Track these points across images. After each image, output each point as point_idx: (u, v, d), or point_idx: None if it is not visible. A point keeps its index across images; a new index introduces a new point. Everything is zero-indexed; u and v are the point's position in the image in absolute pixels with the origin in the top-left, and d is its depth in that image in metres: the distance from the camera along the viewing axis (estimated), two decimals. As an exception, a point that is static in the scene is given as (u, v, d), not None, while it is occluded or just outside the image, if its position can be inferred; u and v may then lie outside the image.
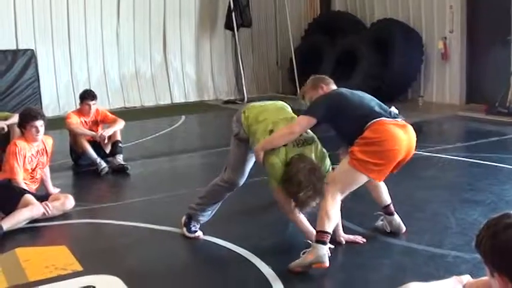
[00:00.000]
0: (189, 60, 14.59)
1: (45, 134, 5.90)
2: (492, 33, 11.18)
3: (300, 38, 15.19)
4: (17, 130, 6.47)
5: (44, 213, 5.41)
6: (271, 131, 4.33)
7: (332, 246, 4.17)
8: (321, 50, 13.61)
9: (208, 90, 14.81)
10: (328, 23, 14.41)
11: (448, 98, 12.23)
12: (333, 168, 4.38)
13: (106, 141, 7.57)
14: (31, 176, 5.82)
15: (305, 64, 13.60)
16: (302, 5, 15.75)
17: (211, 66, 14.91)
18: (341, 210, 4.25)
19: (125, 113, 10.92)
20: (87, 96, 7.71)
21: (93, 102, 7.66)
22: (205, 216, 4.90)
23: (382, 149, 4.08)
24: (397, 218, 4.73)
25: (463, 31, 11.82)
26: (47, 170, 6.11)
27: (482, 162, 7.10)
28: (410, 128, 4.28)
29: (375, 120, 4.13)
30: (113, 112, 8.38)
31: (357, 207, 4.70)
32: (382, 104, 4.39)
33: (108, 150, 7.65)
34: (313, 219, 4.39)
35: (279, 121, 4.40)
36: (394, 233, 4.72)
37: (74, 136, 7.59)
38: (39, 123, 5.76)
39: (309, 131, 4.37)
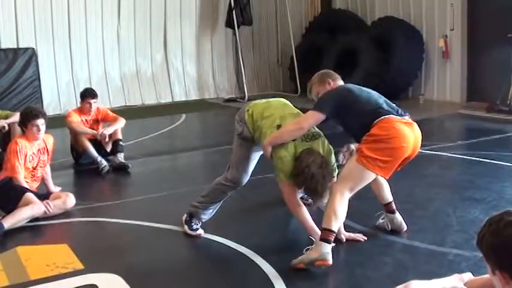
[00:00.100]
0: (189, 58, 14.58)
1: (46, 132, 5.90)
2: (493, 31, 11.16)
3: (301, 36, 15.20)
4: (17, 129, 6.48)
5: (45, 212, 5.41)
6: (278, 126, 4.38)
7: (333, 245, 4.17)
8: (322, 48, 13.60)
9: (209, 89, 14.80)
10: (328, 21, 14.41)
11: (448, 96, 12.22)
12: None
13: (107, 139, 7.56)
14: (32, 175, 5.82)
15: (306, 62, 13.61)
16: (303, 3, 15.75)
17: (212, 64, 14.91)
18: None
19: (126, 112, 10.91)
20: (88, 94, 7.70)
21: (94, 100, 7.66)
22: (207, 215, 4.91)
23: (390, 146, 4.10)
24: (398, 216, 4.73)
25: (463, 29, 11.82)
26: (47, 168, 6.11)
27: (483, 160, 7.11)
28: (416, 126, 4.31)
29: (382, 117, 4.16)
30: (113, 110, 8.38)
31: (358, 205, 4.69)
32: (388, 101, 4.41)
33: (109, 148, 7.64)
34: (314, 218, 4.41)
35: (286, 116, 4.45)
36: (395, 231, 4.72)
37: (75, 135, 7.59)
38: (40, 122, 5.75)
39: (314, 126, 4.39)
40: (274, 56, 15.76)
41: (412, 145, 4.21)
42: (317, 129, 4.45)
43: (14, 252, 4.66)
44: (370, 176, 4.21)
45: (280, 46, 15.66)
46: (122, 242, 4.99)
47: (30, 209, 5.29)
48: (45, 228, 5.36)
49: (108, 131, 7.54)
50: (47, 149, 5.97)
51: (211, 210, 4.91)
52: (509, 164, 6.80)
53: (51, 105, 12.40)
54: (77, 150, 7.67)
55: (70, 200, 5.73)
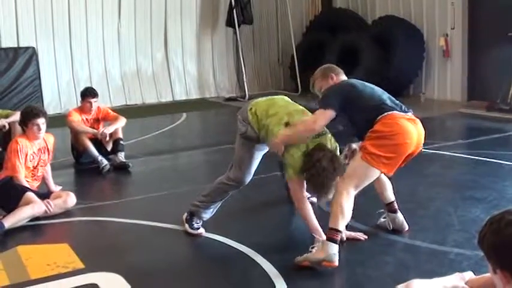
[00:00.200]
0: (190, 57, 14.57)
1: (46, 131, 5.89)
2: (493, 30, 11.16)
3: (302, 35, 15.20)
4: (18, 128, 6.48)
5: (45, 211, 5.41)
6: (287, 123, 4.38)
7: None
8: (323, 47, 13.59)
9: (209, 88, 14.79)
10: (329, 20, 14.42)
11: (449, 94, 12.22)
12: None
13: (107, 138, 7.56)
14: (32, 174, 5.81)
15: (306, 61, 13.59)
16: (303, 2, 15.74)
17: (213, 63, 14.90)
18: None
19: (126, 111, 10.91)
20: (89, 94, 7.70)
21: (95, 99, 7.65)
22: (208, 213, 4.91)
23: (394, 143, 4.11)
24: (400, 216, 4.72)
25: (464, 28, 11.81)
26: (48, 167, 6.10)
27: (483, 159, 7.10)
28: (419, 123, 4.31)
29: (386, 113, 4.16)
30: (114, 110, 8.37)
31: (359, 204, 4.68)
32: (393, 97, 4.40)
33: (109, 148, 7.64)
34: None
35: (292, 113, 4.47)
36: (397, 230, 4.72)
37: (75, 134, 7.59)
38: (41, 121, 5.75)
39: None
40: (274, 55, 15.75)
41: (416, 141, 4.21)
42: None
43: (14, 251, 4.66)
44: (375, 173, 4.21)
45: (281, 45, 15.66)
46: (123, 241, 4.98)
47: (31, 208, 5.29)
48: (46, 227, 5.36)
49: (109, 130, 7.53)
50: (48, 148, 5.97)
51: (212, 209, 4.91)
52: (509, 163, 6.80)
53: (51, 104, 12.40)
54: (78, 150, 7.67)
55: (71, 199, 5.73)
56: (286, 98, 4.84)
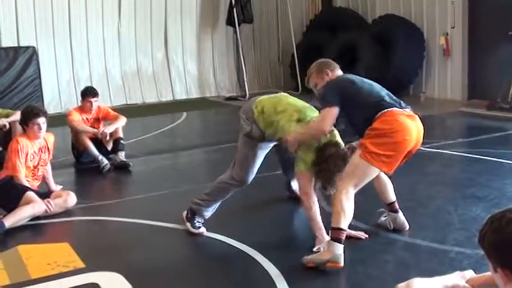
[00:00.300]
0: (190, 56, 14.57)
1: (46, 131, 5.89)
2: (494, 29, 11.15)
3: (302, 34, 15.18)
4: (18, 127, 6.48)
5: (46, 211, 5.41)
6: (298, 120, 4.42)
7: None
8: (323, 46, 13.56)
9: (209, 87, 14.79)
10: (329, 19, 14.40)
11: (449, 93, 12.21)
12: None
13: (108, 138, 7.56)
14: (33, 174, 5.81)
15: (307, 60, 13.49)
16: (304, 1, 15.73)
17: (213, 62, 14.90)
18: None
19: (127, 110, 10.91)
20: (89, 93, 7.69)
21: (95, 99, 7.65)
22: (210, 211, 4.91)
23: (393, 140, 4.07)
24: (401, 215, 4.71)
25: (464, 27, 11.80)
26: (48, 167, 6.10)
27: (484, 158, 7.10)
28: (418, 119, 4.28)
29: (385, 110, 4.12)
30: (114, 109, 8.37)
31: (360, 203, 4.68)
32: (391, 94, 4.37)
33: (109, 147, 7.64)
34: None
35: (301, 109, 4.53)
36: (397, 230, 4.71)
37: (76, 133, 7.59)
38: (42, 121, 5.75)
39: None
40: (275, 54, 15.75)
41: (415, 138, 4.18)
42: None
43: (15, 251, 4.66)
44: (375, 172, 4.19)
45: (281, 44, 15.65)
46: (123, 240, 4.98)
47: (31, 208, 5.29)
48: (46, 227, 5.36)
49: (109, 129, 7.52)
50: (48, 148, 5.97)
51: (213, 207, 4.91)
52: (510, 162, 6.80)
53: (52, 103, 12.40)
54: (78, 149, 7.67)
55: (71, 199, 5.73)
56: (287, 94, 4.86)
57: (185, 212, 4.92)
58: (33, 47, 12.24)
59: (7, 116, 7.40)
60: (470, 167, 6.97)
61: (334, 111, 4.19)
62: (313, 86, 4.61)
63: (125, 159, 7.43)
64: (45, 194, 5.72)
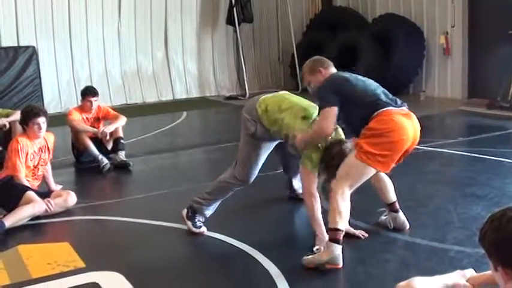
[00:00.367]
0: (190, 56, 14.57)
1: (46, 130, 5.89)
2: (494, 28, 11.16)
3: (302, 34, 15.20)
4: (18, 127, 6.48)
5: (46, 210, 5.41)
6: (304, 117, 4.42)
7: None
8: (323, 45, 13.56)
9: (209, 86, 14.80)
10: (329, 18, 14.41)
11: (449, 92, 12.21)
12: None
13: (108, 137, 7.56)
14: (33, 173, 5.81)
15: (307, 59, 13.48)
16: (304, 0, 15.74)
17: (213, 61, 14.90)
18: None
19: (127, 110, 10.92)
20: (89, 92, 7.69)
21: (95, 98, 7.65)
22: (210, 210, 4.91)
23: (390, 140, 4.04)
24: (401, 215, 4.70)
25: (464, 26, 11.80)
26: (48, 166, 6.10)
27: (484, 156, 7.09)
28: (414, 117, 4.24)
29: (381, 110, 4.08)
30: (114, 108, 8.37)
31: (360, 202, 4.68)
32: (383, 88, 4.33)
33: (110, 146, 7.64)
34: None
35: (306, 107, 4.55)
36: (398, 229, 4.71)
37: (76, 133, 7.59)
38: (42, 120, 5.75)
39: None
40: (275, 54, 15.75)
41: (412, 137, 4.14)
42: None
43: (15, 250, 4.66)
44: (370, 172, 4.15)
45: (281, 43, 15.66)
46: (123, 240, 4.98)
47: (31, 208, 5.29)
48: (47, 226, 5.36)
49: (109, 129, 7.52)
50: (48, 148, 5.97)
51: (214, 206, 4.91)
52: (510, 161, 6.80)
53: (52, 103, 12.40)
54: (78, 149, 7.67)
55: (71, 198, 5.73)
56: (289, 93, 4.88)
57: (185, 210, 4.91)
58: (33, 47, 12.24)
59: (7, 115, 7.40)
60: (470, 165, 6.97)
61: (333, 111, 4.15)
62: (307, 84, 4.56)
63: (125, 159, 7.43)
64: (45, 193, 5.72)
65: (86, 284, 3.98)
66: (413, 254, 4.33)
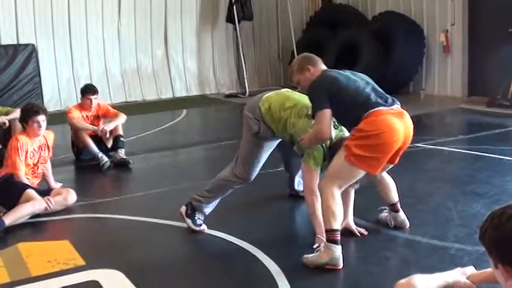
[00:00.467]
0: (190, 54, 14.56)
1: (46, 128, 5.89)
2: (494, 26, 11.14)
3: (302, 31, 15.18)
4: (18, 125, 6.48)
5: (46, 208, 5.41)
6: (307, 115, 4.42)
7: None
8: (323, 43, 13.57)
9: (209, 84, 14.78)
10: (329, 16, 14.39)
11: (449, 90, 12.20)
12: None
13: (108, 135, 7.55)
14: (33, 171, 5.81)
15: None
16: (303, -2, 15.75)
17: (213, 59, 14.89)
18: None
19: (127, 108, 10.91)
20: (88, 90, 7.69)
21: (95, 96, 7.64)
22: (210, 207, 4.90)
23: (379, 142, 3.96)
24: (402, 214, 4.69)
25: (464, 24, 11.78)
26: (48, 164, 6.10)
27: (484, 154, 7.09)
28: (406, 115, 4.15)
29: (371, 110, 3.99)
30: (114, 106, 8.36)
31: (360, 200, 4.69)
32: (375, 85, 4.25)
33: (109, 144, 7.64)
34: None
35: (310, 105, 4.47)
36: (398, 227, 4.70)
37: (76, 131, 7.59)
38: (41, 118, 5.75)
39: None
40: (275, 51, 15.73)
41: (403, 137, 4.06)
42: None
43: (15, 248, 4.66)
44: (360, 173, 4.08)
45: (281, 41, 15.64)
46: (123, 238, 4.98)
47: (31, 206, 5.29)
48: (46, 224, 5.36)
49: (109, 126, 7.52)
50: (48, 146, 5.97)
51: (214, 203, 4.90)
52: (510, 158, 6.79)
53: (51, 101, 12.39)
54: (78, 146, 7.67)
55: (71, 196, 5.73)
56: (292, 91, 4.86)
57: (183, 207, 4.89)
58: (33, 45, 12.22)
59: (7, 113, 7.40)
60: (470, 163, 6.96)
61: (327, 113, 4.06)
62: (296, 83, 4.43)
63: (124, 157, 7.42)
64: (45, 191, 5.72)
65: (85, 281, 3.98)
66: (413, 251, 4.33)
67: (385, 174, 4.56)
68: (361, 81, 4.21)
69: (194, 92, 14.51)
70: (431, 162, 6.94)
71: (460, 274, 2.49)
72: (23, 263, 4.35)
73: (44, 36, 12.46)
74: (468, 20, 11.77)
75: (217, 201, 4.91)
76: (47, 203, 5.41)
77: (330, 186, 4.04)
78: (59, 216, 5.48)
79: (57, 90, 12.69)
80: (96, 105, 7.70)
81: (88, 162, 7.48)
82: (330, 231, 4.00)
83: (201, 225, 4.83)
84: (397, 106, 4.11)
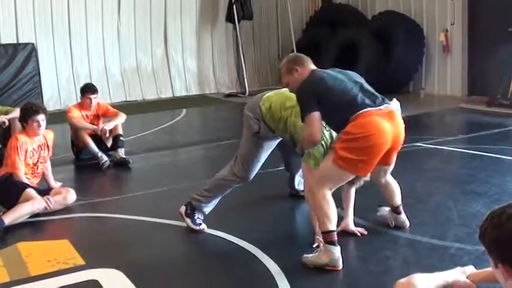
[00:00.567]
0: (190, 53, 14.56)
1: (46, 128, 5.89)
2: (494, 25, 11.15)
3: (301, 31, 15.19)
4: (18, 124, 6.48)
5: (45, 208, 5.40)
6: None
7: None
8: (322, 43, 13.59)
9: (209, 84, 14.79)
10: (329, 16, 14.40)
11: (449, 90, 12.21)
12: None
13: (107, 135, 7.55)
14: (32, 171, 5.80)
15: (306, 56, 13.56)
16: (303, -2, 15.75)
17: (213, 59, 14.89)
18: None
19: (126, 107, 10.92)
20: (88, 90, 7.69)
21: (94, 96, 7.64)
22: (210, 207, 4.89)
23: (367, 145, 3.90)
24: (403, 215, 4.69)
25: (464, 23, 11.79)
26: (48, 164, 6.10)
27: (484, 154, 7.09)
28: (396, 115, 4.10)
29: (358, 112, 3.92)
30: (114, 106, 8.37)
31: (360, 200, 4.69)
32: (364, 84, 4.18)
33: (109, 144, 7.64)
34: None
35: None
36: (399, 227, 4.70)
37: (75, 130, 7.59)
38: (41, 118, 5.74)
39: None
40: (274, 51, 15.74)
41: (393, 137, 4.00)
42: None
43: (14, 248, 4.66)
44: (349, 176, 4.07)
45: (281, 41, 15.64)
46: (123, 237, 4.98)
47: (31, 205, 5.29)
48: (46, 224, 5.36)
49: (109, 126, 7.53)
50: (47, 145, 5.96)
51: (213, 203, 4.90)
52: (510, 158, 6.79)
53: (51, 100, 12.40)
54: (78, 146, 7.67)
55: (71, 196, 5.72)
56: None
57: (183, 207, 4.89)
58: (33, 44, 12.23)
59: (6, 113, 7.40)
60: (470, 163, 6.96)
61: (316, 116, 3.98)
62: (285, 84, 4.39)
63: (124, 156, 7.42)
64: (44, 191, 5.71)
65: (85, 281, 3.97)
66: (413, 251, 4.33)
67: (390, 179, 4.54)
68: (349, 80, 4.14)
69: (194, 91, 14.52)
70: (431, 161, 6.94)
71: (460, 273, 2.48)
72: (23, 263, 4.35)
73: (43, 35, 12.46)
74: (468, 19, 11.77)
75: (217, 200, 4.91)
76: (47, 203, 5.41)
77: (320, 189, 4.02)
78: (58, 216, 5.47)
79: (57, 89, 12.70)
80: (95, 104, 7.70)
81: (88, 162, 7.48)
82: (326, 233, 3.99)
83: (200, 224, 4.83)
84: (386, 106, 4.05)
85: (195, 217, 4.83)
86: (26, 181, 5.61)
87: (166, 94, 14.15)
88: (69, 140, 7.79)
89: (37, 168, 5.85)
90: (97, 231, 5.20)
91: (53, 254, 4.46)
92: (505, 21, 10.82)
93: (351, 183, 4.38)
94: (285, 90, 4.86)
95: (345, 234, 4.53)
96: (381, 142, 3.93)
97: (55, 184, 6.13)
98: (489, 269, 2.22)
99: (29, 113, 5.75)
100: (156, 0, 13.84)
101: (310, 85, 4.11)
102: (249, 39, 15.25)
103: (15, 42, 12.10)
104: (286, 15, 14.92)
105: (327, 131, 4.34)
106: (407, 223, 4.69)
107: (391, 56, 12.17)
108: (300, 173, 5.34)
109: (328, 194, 4.02)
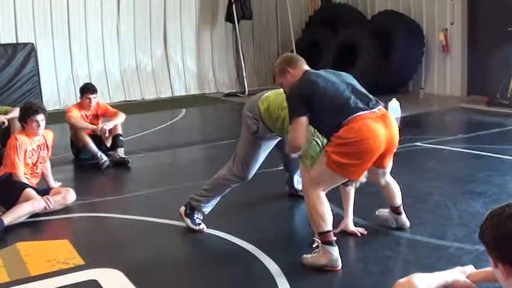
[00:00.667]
0: (189, 53, 14.57)
1: (45, 128, 5.88)
2: (493, 25, 11.15)
3: (301, 31, 15.19)
4: (17, 124, 6.47)
5: (45, 208, 5.40)
6: None
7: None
8: (322, 43, 13.59)
9: (209, 83, 14.79)
10: (328, 16, 14.40)
11: (449, 89, 12.21)
12: None
13: (107, 134, 7.55)
14: (32, 171, 5.80)
15: (306, 56, 13.48)
16: (303, -3, 15.75)
17: (212, 59, 14.89)
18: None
19: (126, 107, 10.91)
20: (88, 89, 7.68)
21: (94, 95, 7.64)
22: (209, 207, 4.89)
23: (359, 149, 3.88)
24: (403, 216, 4.68)
25: (464, 23, 11.79)
26: (47, 164, 6.09)
27: (483, 153, 7.09)
28: (389, 117, 4.06)
29: (351, 116, 3.88)
30: (113, 106, 8.36)
31: (360, 200, 4.69)
32: (357, 85, 4.15)
33: (109, 143, 7.64)
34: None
35: None
36: (398, 227, 4.69)
37: (75, 130, 7.58)
38: (40, 118, 5.74)
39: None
40: (274, 51, 15.73)
41: (386, 140, 3.97)
42: None
43: (14, 248, 4.65)
44: (342, 179, 4.08)
45: (281, 40, 15.64)
46: (123, 237, 4.98)
47: (30, 205, 5.28)
48: (46, 223, 5.36)
49: (108, 126, 7.52)
50: (47, 145, 5.96)
51: (213, 202, 4.89)
52: (509, 158, 6.79)
53: (50, 100, 12.40)
54: (77, 146, 7.66)
55: (70, 196, 5.72)
56: None
57: (182, 207, 4.89)
58: (32, 44, 12.22)
59: (6, 113, 7.40)
60: (469, 162, 6.96)
61: (303, 121, 3.95)
62: (279, 85, 4.37)
63: (124, 156, 7.42)
64: (44, 191, 5.71)
65: (85, 281, 3.97)
66: (413, 250, 4.33)
67: (390, 180, 4.53)
68: (341, 82, 4.10)
69: (193, 91, 14.53)
70: (430, 161, 6.94)
71: (459, 273, 2.48)
72: (22, 263, 4.34)
73: (43, 35, 12.46)
74: (467, 19, 11.78)
75: (216, 200, 4.91)
76: (46, 203, 5.41)
77: (314, 191, 4.00)
78: (58, 216, 5.47)
79: (56, 89, 12.70)
80: (95, 104, 7.70)
81: (87, 162, 7.49)
82: (322, 234, 3.98)
83: (199, 224, 4.83)
84: (379, 108, 4.02)
85: (195, 217, 4.83)
86: (25, 181, 5.60)
87: (166, 94, 14.15)
88: (69, 140, 7.78)
89: (36, 168, 5.85)
90: (97, 231, 5.20)
91: (52, 254, 4.46)
92: (504, 21, 10.82)
93: (345, 184, 4.39)
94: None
95: (344, 234, 4.54)
96: (374, 146, 3.91)
97: (54, 184, 6.12)
98: (489, 268, 2.22)
99: (28, 112, 5.75)
100: (155, 1, 13.84)
101: (299, 89, 4.07)
102: (249, 39, 15.25)
103: (14, 42, 12.09)
104: (286, 15, 14.92)
105: None
106: (408, 224, 4.68)
107: (391, 56, 12.17)
108: (298, 172, 5.33)
109: (322, 195, 4.01)
